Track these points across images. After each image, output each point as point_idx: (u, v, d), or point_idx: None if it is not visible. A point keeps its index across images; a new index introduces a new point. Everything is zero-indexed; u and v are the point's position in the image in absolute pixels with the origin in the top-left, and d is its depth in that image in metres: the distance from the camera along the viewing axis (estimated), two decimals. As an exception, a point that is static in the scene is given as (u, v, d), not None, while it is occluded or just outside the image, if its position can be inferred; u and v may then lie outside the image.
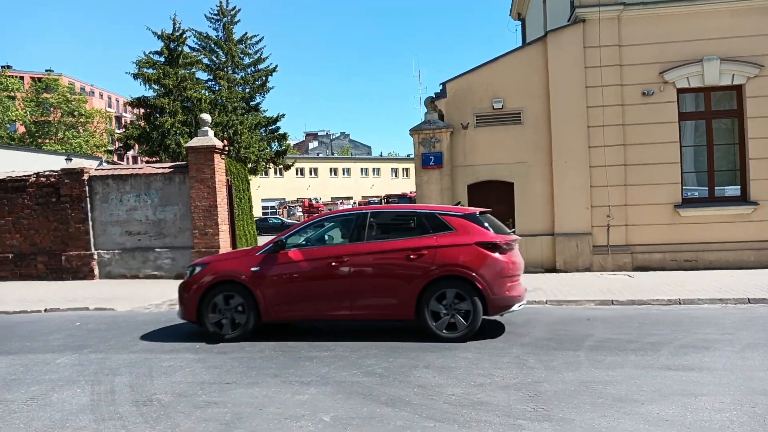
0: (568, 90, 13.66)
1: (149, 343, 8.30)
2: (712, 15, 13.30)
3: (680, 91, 13.52)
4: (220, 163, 15.49)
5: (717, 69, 13.25)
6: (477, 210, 8.37)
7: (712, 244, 13.40)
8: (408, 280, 7.78)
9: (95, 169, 16.22)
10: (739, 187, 13.59)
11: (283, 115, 41.83)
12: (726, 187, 13.74)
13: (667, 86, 13.43)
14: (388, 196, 50.65)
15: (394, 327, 8.73)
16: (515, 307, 7.95)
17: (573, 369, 6.22)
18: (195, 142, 15.30)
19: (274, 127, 41.91)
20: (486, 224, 8.03)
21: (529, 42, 14.23)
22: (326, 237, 8.83)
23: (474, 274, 7.61)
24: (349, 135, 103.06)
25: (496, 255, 7.75)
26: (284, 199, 64.92)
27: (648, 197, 13.47)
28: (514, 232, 9.87)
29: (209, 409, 5.43)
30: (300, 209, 57.10)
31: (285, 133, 43.20)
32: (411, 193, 47.08)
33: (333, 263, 8.01)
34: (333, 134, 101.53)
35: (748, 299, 10.06)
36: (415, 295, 7.74)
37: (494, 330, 8.27)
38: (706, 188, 13.73)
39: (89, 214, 15.58)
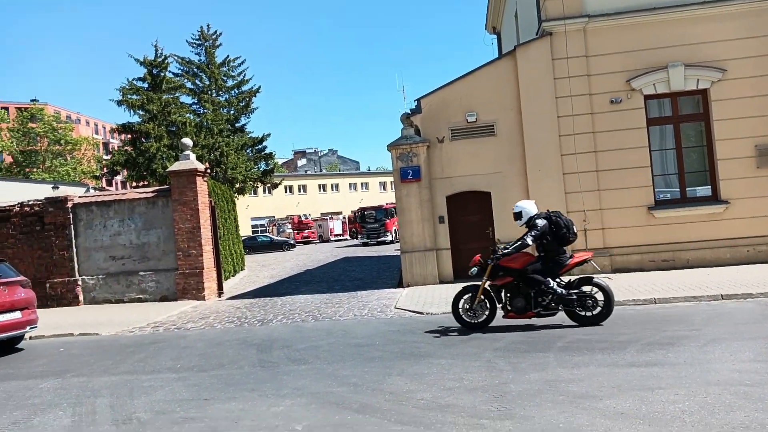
0: (539, 101, 14.00)
1: (132, 365, 8.44)
2: (675, 23, 13.72)
3: (647, 97, 13.90)
4: (202, 185, 15.69)
5: (682, 75, 13.65)
6: None
7: (688, 243, 13.70)
8: None
9: (79, 197, 16.36)
10: (709, 187, 13.93)
11: (269, 135, 42.20)
12: (697, 188, 14.08)
13: (634, 93, 13.81)
14: (362, 210, 45.21)
15: (372, 343, 8.90)
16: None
17: (540, 369, 6.44)
18: (177, 166, 15.51)
19: (260, 146, 42.18)
20: None
21: (499, 56, 14.56)
22: None
23: None
24: (337, 151, 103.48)
25: None
26: (274, 216, 65.04)
27: (622, 201, 13.78)
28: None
29: (186, 424, 5.59)
30: (290, 226, 57.21)
31: (272, 153, 43.49)
32: (387, 204, 44.14)
33: None
34: (321, 151, 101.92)
35: (721, 295, 10.32)
36: None
37: (472, 337, 8.48)
38: (678, 190, 14.06)
39: (73, 241, 15.71)
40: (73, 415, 6.17)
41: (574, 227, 8.92)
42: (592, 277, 8.89)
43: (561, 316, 8.89)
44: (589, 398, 5.34)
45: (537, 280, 8.66)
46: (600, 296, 8.62)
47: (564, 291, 8.63)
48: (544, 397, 5.46)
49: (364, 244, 41.33)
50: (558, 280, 8.87)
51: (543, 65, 13.98)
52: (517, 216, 9.16)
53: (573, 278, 9.02)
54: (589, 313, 8.59)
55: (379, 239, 41.28)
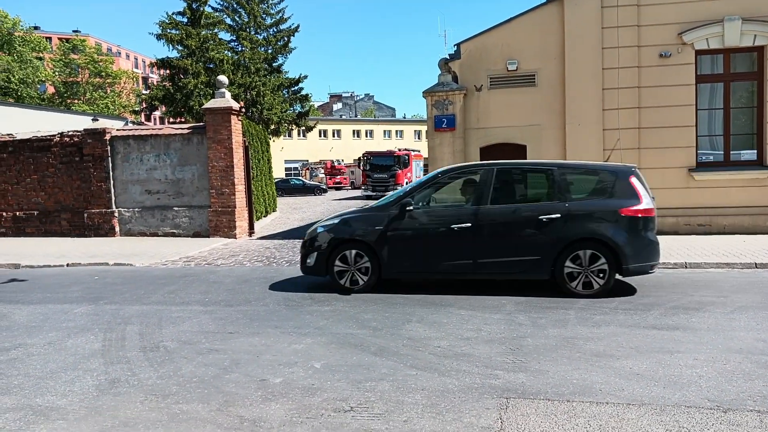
0: (584, 51, 13.47)
1: (162, 296, 8.73)
2: (735, -28, 12.89)
3: (699, 52, 13.23)
4: (237, 124, 15.75)
5: (738, 29, 12.90)
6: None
7: (727, 209, 13.29)
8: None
9: (117, 130, 16.63)
10: (755, 151, 13.37)
11: (306, 77, 41.77)
12: (742, 151, 13.52)
13: (685, 48, 13.15)
14: (368, 155, 38.61)
15: (390, 287, 8.98)
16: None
17: (559, 326, 6.43)
18: (212, 103, 15.55)
19: (296, 88, 41.96)
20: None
21: (545, 1, 13.95)
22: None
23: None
24: (373, 96, 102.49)
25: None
26: (307, 160, 65.32)
27: (662, 161, 13.35)
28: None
29: (210, 355, 5.79)
30: (322, 171, 57.43)
31: (308, 95, 43.25)
32: (399, 150, 38.65)
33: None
34: (357, 96, 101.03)
35: (756, 264, 10.05)
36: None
37: (492, 287, 8.48)
38: (722, 152, 13.53)
39: (110, 173, 16.07)
40: (104, 340, 6.45)
41: None
42: None
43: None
44: (606, 357, 5.32)
45: None
46: None
47: None
48: (561, 353, 5.47)
49: (367, 198, 34.29)
50: None
51: (592, 13, 13.37)
52: None
53: None
54: None
55: (386, 192, 32.99)
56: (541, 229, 7.95)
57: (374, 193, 34.55)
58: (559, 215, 7.88)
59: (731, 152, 13.49)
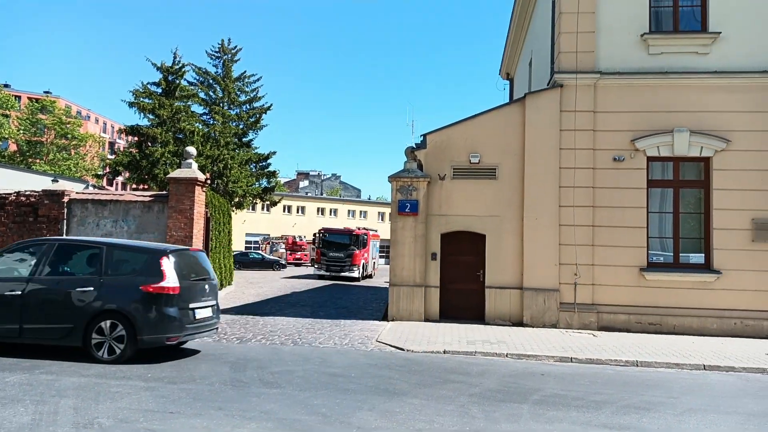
0: (543, 150, 14.11)
1: (102, 368, 8.31)
2: (684, 89, 13.92)
3: (650, 159, 14.01)
4: (200, 195, 15.70)
5: (687, 141, 13.78)
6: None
7: (676, 309, 13.64)
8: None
9: (76, 193, 16.36)
10: (703, 255, 13.93)
11: (274, 153, 42.26)
12: (691, 254, 14.08)
13: (638, 153, 13.92)
14: (324, 231, 35.51)
15: (348, 374, 8.78)
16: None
17: (512, 421, 6.34)
18: (178, 173, 15.54)
19: (264, 163, 42.29)
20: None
21: (508, 102, 14.73)
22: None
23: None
24: (340, 177, 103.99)
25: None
26: (268, 234, 64.91)
27: (615, 259, 13.78)
28: None
29: (147, 436, 5.47)
30: (283, 246, 57.02)
31: (275, 171, 43.56)
32: (359, 229, 36.06)
33: None
34: (325, 175, 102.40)
35: (704, 366, 10.24)
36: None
37: (449, 380, 8.37)
38: (672, 254, 14.06)
39: (64, 236, 15.62)
40: (35, 413, 6.05)
41: None
42: None
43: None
44: (558, 456, 5.24)
45: None
46: None
47: None
48: (512, 450, 5.37)
49: (320, 278, 32.29)
50: None
51: (551, 115, 14.13)
52: None
53: None
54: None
55: (342, 273, 32.33)
56: (76, 300, 8.82)
57: (328, 273, 32.36)
58: (91, 288, 8.82)
59: (681, 254, 14.03)
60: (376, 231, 42.95)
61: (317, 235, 35.64)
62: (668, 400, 7.67)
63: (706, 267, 13.80)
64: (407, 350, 10.82)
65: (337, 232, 35.26)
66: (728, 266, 13.55)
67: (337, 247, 33.28)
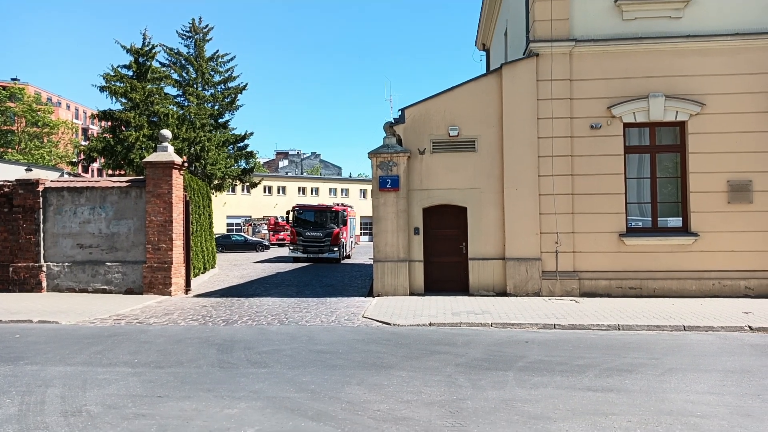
0: (521, 120, 14.14)
1: (88, 356, 8.26)
2: (658, 54, 13.97)
3: (627, 125, 14.11)
4: (178, 178, 15.50)
5: (662, 105, 13.88)
6: None
7: (656, 273, 13.88)
8: None
9: (51, 181, 16.05)
10: (680, 218, 14.16)
11: (252, 133, 41.81)
12: (669, 218, 14.29)
13: (614, 120, 14.01)
14: (299, 208, 32.38)
15: (336, 350, 8.85)
16: None
17: (498, 388, 6.45)
18: (153, 157, 15.30)
19: (242, 144, 41.86)
20: None
21: (485, 72, 14.66)
22: None
23: None
24: (320, 155, 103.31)
25: None
26: (250, 216, 64.56)
27: (594, 226, 13.94)
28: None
29: (137, 420, 5.48)
30: (266, 227, 56.79)
31: (253, 151, 43.14)
32: (337, 206, 32.98)
33: None
34: (304, 154, 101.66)
35: (684, 327, 10.46)
36: None
37: (434, 352, 8.47)
38: (650, 219, 14.26)
39: (41, 226, 15.39)
40: (21, 403, 6.02)
41: None
42: None
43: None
44: (544, 419, 5.35)
45: None
46: None
47: None
48: (499, 416, 5.46)
49: (296, 260, 29.94)
50: None
51: (527, 85, 14.12)
52: None
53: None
54: None
55: (321, 255, 29.68)
56: None
57: (305, 255, 29.76)
58: None
59: (659, 219, 14.24)
60: (352, 207, 39.74)
61: (291, 213, 32.12)
62: (650, 361, 7.84)
63: (684, 230, 14.03)
64: (393, 324, 10.90)
65: (313, 209, 32.35)
66: (705, 228, 13.79)
67: (314, 226, 30.59)
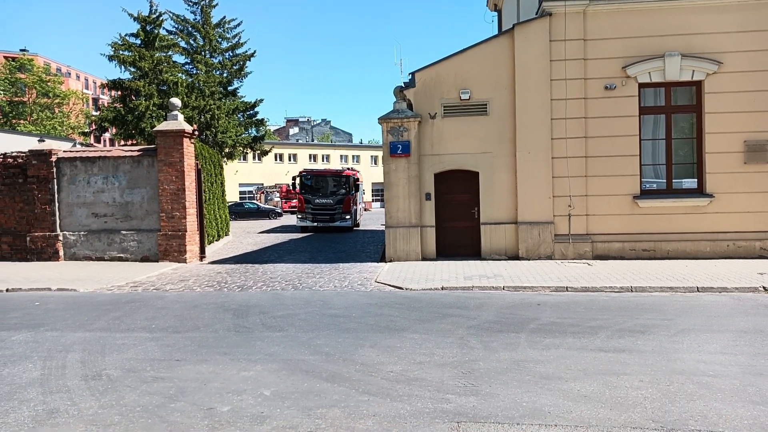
0: (533, 82, 13.91)
1: (107, 322, 8.42)
2: (674, 11, 13.61)
3: (642, 85, 13.84)
4: (189, 147, 15.52)
5: (678, 65, 13.58)
6: None
7: (670, 235, 13.80)
8: None
9: (64, 151, 16.14)
10: (696, 179, 13.99)
11: (262, 101, 41.62)
12: (683, 180, 14.13)
13: (629, 81, 13.74)
14: (306, 173, 29.64)
15: (349, 314, 8.94)
16: None
17: (510, 349, 6.50)
18: (164, 125, 15.30)
19: (252, 112, 41.76)
20: None
21: (497, 34, 14.38)
22: None
23: None
24: (330, 122, 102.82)
25: None
26: (262, 184, 64.73)
27: (608, 188, 13.82)
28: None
29: (155, 383, 5.60)
30: (278, 194, 56.96)
31: (263, 119, 43.05)
32: (348, 170, 30.67)
33: None
34: (314, 121, 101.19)
35: (697, 288, 10.43)
36: None
37: (446, 315, 8.53)
38: (665, 180, 14.10)
39: (56, 196, 15.55)
40: (43, 368, 6.17)
41: None
42: None
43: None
44: (555, 380, 5.41)
45: None
46: None
47: None
48: (511, 376, 5.52)
49: (303, 230, 27.74)
50: None
51: (540, 46, 13.85)
52: None
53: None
54: None
55: (332, 223, 27.51)
56: None
57: (314, 224, 27.50)
58: None
59: (673, 180, 14.08)
60: (359, 172, 36.90)
61: (298, 178, 29.29)
62: (662, 322, 7.85)
63: (699, 191, 13.88)
64: (406, 289, 10.98)
65: (322, 174, 30.22)
66: (721, 189, 13.63)
67: (323, 193, 28.21)
